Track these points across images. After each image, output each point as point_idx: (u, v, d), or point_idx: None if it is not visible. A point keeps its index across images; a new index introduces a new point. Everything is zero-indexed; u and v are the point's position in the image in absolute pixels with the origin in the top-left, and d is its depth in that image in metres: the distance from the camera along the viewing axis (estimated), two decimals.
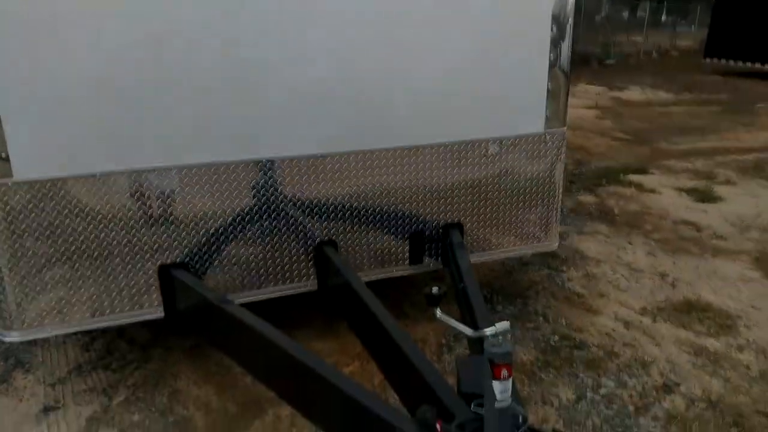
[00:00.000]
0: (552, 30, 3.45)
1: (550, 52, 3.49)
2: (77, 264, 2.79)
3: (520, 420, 1.67)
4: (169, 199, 2.90)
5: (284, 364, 2.24)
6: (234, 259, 3.11)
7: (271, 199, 3.10)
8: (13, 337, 2.84)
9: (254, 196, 3.06)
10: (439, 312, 1.84)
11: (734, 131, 9.92)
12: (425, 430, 1.73)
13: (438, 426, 1.70)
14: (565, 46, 3.53)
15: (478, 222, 3.58)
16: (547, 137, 3.62)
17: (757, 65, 14.91)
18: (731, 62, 15.60)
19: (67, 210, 2.73)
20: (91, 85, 2.66)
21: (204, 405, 2.95)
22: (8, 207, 2.63)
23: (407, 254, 3.47)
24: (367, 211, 3.32)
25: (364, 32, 3.07)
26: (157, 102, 2.79)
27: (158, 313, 3.01)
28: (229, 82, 2.89)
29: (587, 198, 6.28)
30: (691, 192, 6.54)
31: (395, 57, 3.16)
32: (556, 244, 3.92)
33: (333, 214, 3.25)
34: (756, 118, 11.01)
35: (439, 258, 3.52)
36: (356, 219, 3.31)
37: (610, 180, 6.93)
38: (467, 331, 1.76)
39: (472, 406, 1.84)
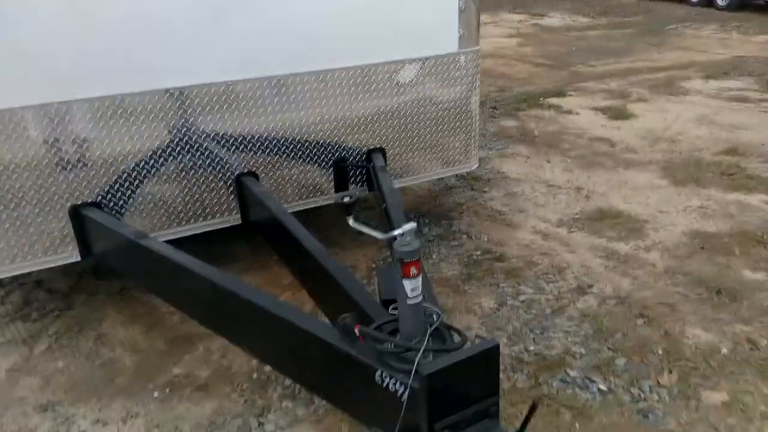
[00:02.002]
0: None
1: None
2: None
3: (435, 317, 1.73)
4: (76, 136, 2.75)
5: (209, 293, 2.23)
6: (151, 197, 3.02)
7: (184, 132, 2.99)
8: None
9: (167, 129, 2.95)
10: (351, 220, 1.86)
11: (647, 52, 10.25)
12: (345, 335, 1.77)
13: (356, 329, 1.74)
14: None
15: (400, 147, 3.59)
16: (462, 57, 3.63)
17: None
18: None
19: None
20: None
21: (131, 345, 2.91)
22: None
23: (332, 182, 3.47)
24: (287, 140, 3.26)
25: None
26: (62, 33, 2.62)
27: (74, 256, 2.91)
28: (128, 10, 2.73)
29: (509, 122, 6.40)
30: (606, 111, 6.77)
31: None
32: (476, 164, 4.00)
33: (251, 145, 3.18)
34: (667, 39, 11.40)
35: (365, 184, 3.54)
36: (276, 149, 3.25)
37: (530, 104, 7.07)
38: (377, 234, 1.79)
39: (389, 309, 1.90)
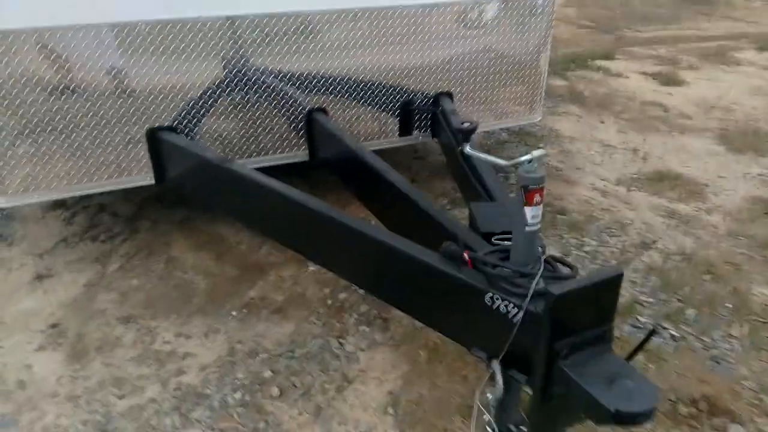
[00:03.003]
0: None
1: None
2: (61, 131, 2.65)
3: (540, 249, 1.75)
4: (154, 59, 2.75)
5: (303, 218, 2.24)
6: (223, 126, 3.03)
7: (257, 62, 2.97)
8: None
9: (240, 58, 2.93)
10: (468, 147, 1.86)
11: (695, 20, 9.99)
12: (452, 260, 1.80)
13: (465, 254, 1.77)
14: None
15: (467, 92, 3.56)
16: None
17: None
18: None
19: (45, 67, 2.55)
20: None
21: (203, 270, 2.97)
22: None
23: (397, 125, 3.45)
24: (357, 79, 3.24)
25: None
26: None
27: (148, 179, 2.94)
28: None
29: (558, 82, 6.30)
30: (656, 76, 6.64)
31: None
32: (540, 116, 3.97)
33: (323, 81, 3.16)
34: (715, 8, 11.07)
35: (429, 130, 3.52)
36: (347, 88, 3.23)
37: (578, 65, 6.94)
38: (501, 161, 1.79)
39: (493, 239, 1.92)
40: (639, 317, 2.64)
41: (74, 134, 2.68)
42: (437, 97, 3.44)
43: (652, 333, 1.61)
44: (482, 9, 3.41)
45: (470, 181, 2.61)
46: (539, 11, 3.56)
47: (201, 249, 3.14)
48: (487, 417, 1.79)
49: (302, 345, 2.44)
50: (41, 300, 2.73)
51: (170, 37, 2.73)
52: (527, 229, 1.68)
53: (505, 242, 1.90)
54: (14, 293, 2.78)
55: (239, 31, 2.88)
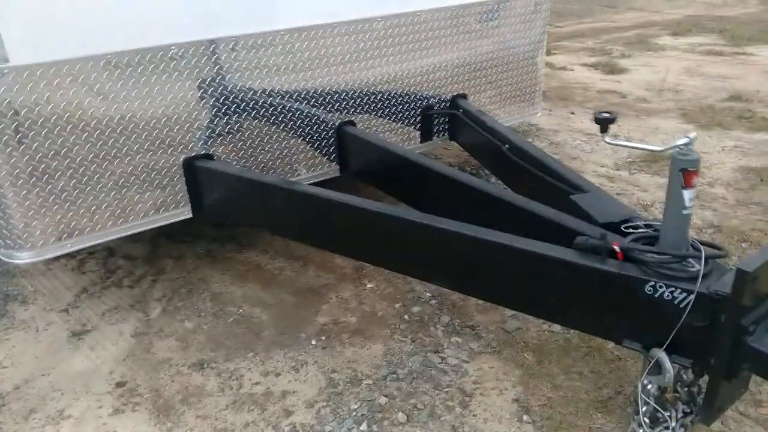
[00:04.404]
0: None
1: None
2: (93, 165, 2.39)
3: None
4: (179, 86, 2.54)
5: (398, 229, 2.15)
6: (251, 152, 2.85)
7: (287, 80, 2.84)
8: (23, 258, 2.43)
9: (265, 77, 2.79)
10: (609, 138, 1.86)
11: (605, 13, 10.64)
12: (592, 255, 1.78)
13: (615, 246, 1.76)
14: None
15: (478, 93, 3.58)
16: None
17: None
18: None
19: (77, 100, 2.29)
20: None
21: (256, 301, 2.78)
22: (6, 100, 2.15)
23: (418, 131, 3.41)
24: (379, 89, 3.17)
25: None
26: None
27: (186, 212, 2.72)
28: None
29: None
30: (597, 66, 7.00)
31: None
32: (540, 111, 4.07)
33: (351, 94, 3.07)
34: (619, 1, 11.87)
35: (446, 133, 3.50)
36: (371, 99, 3.15)
37: None
38: (652, 147, 1.80)
39: (623, 228, 1.92)
40: None
41: (97, 173, 2.43)
42: (453, 100, 3.44)
43: None
44: (486, 11, 3.44)
45: (535, 174, 2.62)
46: (536, 11, 3.65)
47: (244, 280, 2.94)
48: (650, 406, 1.79)
49: (402, 365, 2.33)
50: (91, 358, 2.45)
51: (190, 60, 2.54)
52: (684, 212, 1.71)
53: (639, 229, 1.93)
54: (56, 355, 2.47)
55: (260, 51, 2.73)
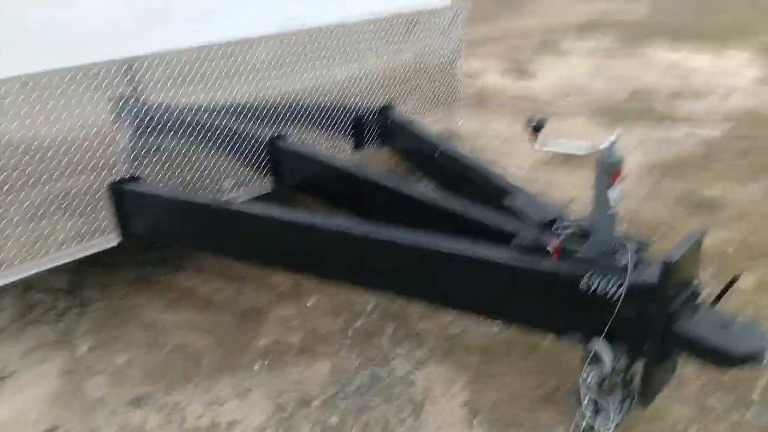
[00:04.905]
0: None
1: None
2: (23, 189, 2.25)
3: None
4: (120, 101, 2.44)
5: (336, 240, 2.15)
6: (178, 172, 2.77)
7: (215, 96, 2.78)
8: None
9: (191, 94, 2.72)
10: (538, 145, 1.94)
11: (507, 19, 11.08)
12: (531, 254, 1.87)
13: (551, 245, 1.84)
14: None
15: (406, 102, 3.65)
16: (452, 11, 3.76)
17: None
18: None
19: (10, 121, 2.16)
20: None
21: (193, 327, 2.69)
22: None
23: (350, 141, 3.43)
24: (310, 102, 3.17)
25: None
26: None
27: (112, 238, 2.60)
28: None
29: None
30: (507, 72, 7.29)
31: None
32: (461, 120, 4.20)
33: (280, 108, 3.04)
34: (517, 6, 12.40)
35: (377, 140, 3.55)
36: (301, 112, 3.15)
37: None
38: (580, 151, 1.89)
39: (554, 227, 2.01)
40: None
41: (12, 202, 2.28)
42: (383, 110, 3.49)
43: (735, 279, 1.82)
44: (408, 24, 3.52)
45: (467, 178, 2.71)
46: (453, 23, 3.78)
47: (177, 305, 2.84)
48: (590, 397, 1.88)
49: (350, 381, 2.32)
50: (15, 404, 2.28)
51: (109, 80, 2.44)
52: (611, 210, 1.81)
53: (569, 227, 2.02)
54: None
55: (174, 69, 2.65)
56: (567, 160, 4.44)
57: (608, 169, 1.76)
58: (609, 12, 11.62)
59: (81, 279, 3.06)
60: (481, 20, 10.67)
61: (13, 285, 2.96)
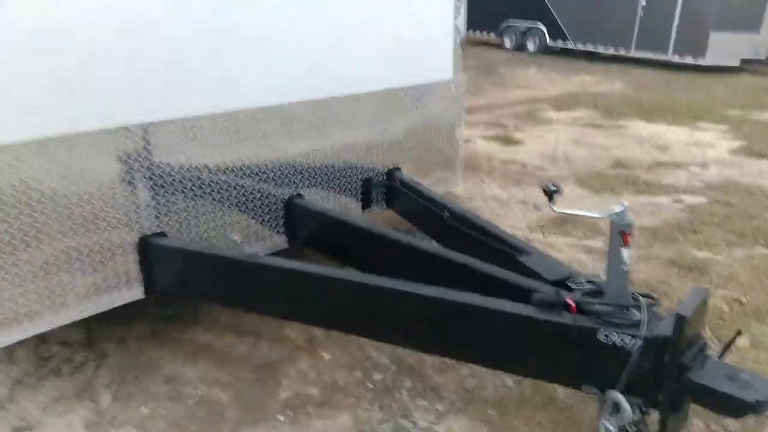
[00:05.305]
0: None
1: (455, 15, 3.91)
2: (54, 243, 2.35)
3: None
4: (148, 161, 2.59)
5: (362, 295, 2.28)
6: (204, 228, 2.90)
7: (241, 157, 2.95)
8: None
9: (231, 152, 2.89)
10: (556, 207, 2.12)
11: (494, 90, 11.62)
12: (550, 309, 2.01)
13: (569, 300, 2.00)
14: (463, 8, 3.96)
15: (410, 166, 3.85)
16: (453, 83, 4.04)
17: (491, 35, 17.54)
18: (470, 32, 18.01)
19: (27, 184, 2.27)
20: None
21: (213, 381, 2.74)
22: None
23: (358, 201, 3.60)
24: (324, 164, 3.35)
25: None
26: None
27: (137, 293, 2.69)
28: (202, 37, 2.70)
29: None
30: (495, 139, 7.63)
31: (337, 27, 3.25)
32: (461, 183, 4.42)
33: (298, 169, 3.22)
34: (503, 79, 13.03)
35: (383, 202, 3.72)
36: (315, 172, 3.32)
37: None
38: (595, 214, 2.08)
39: (569, 284, 2.17)
40: None
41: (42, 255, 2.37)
42: (390, 172, 3.69)
43: (739, 333, 1.98)
44: (417, 94, 3.77)
45: (477, 238, 2.87)
46: (455, 94, 4.05)
47: (195, 360, 2.89)
48: None
49: None
50: None
51: (173, 134, 2.62)
52: (624, 267, 1.99)
53: (583, 285, 2.19)
54: None
55: (198, 133, 2.82)
56: (559, 223, 4.67)
57: (621, 231, 1.94)
58: (586, 85, 12.28)
59: (96, 333, 3.11)
60: (471, 92, 11.19)
61: (24, 339, 3.04)
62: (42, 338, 3.05)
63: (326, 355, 2.91)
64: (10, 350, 2.96)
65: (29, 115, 2.28)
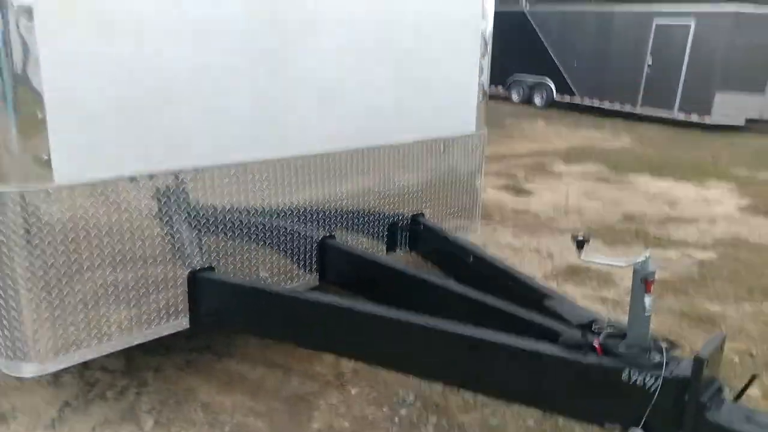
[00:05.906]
0: (482, 54, 4.15)
1: (480, 74, 4.19)
2: (109, 276, 2.54)
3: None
4: (198, 202, 2.80)
5: (402, 331, 2.44)
6: (246, 265, 3.09)
7: (284, 199, 3.16)
8: (27, 371, 2.47)
9: (276, 196, 3.11)
10: (584, 255, 2.31)
11: (503, 143, 11.92)
12: (576, 349, 2.18)
13: (596, 342, 2.16)
14: (486, 66, 4.25)
15: (433, 212, 4.07)
16: (477, 136, 4.30)
17: (499, 88, 18.04)
18: None
19: (104, 217, 2.48)
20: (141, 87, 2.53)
21: (248, 411, 2.88)
22: (46, 215, 2.31)
23: (383, 244, 3.80)
24: (355, 208, 3.56)
25: (363, 40, 3.38)
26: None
27: (183, 323, 2.86)
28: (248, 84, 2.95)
29: None
30: (506, 189, 7.87)
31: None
32: (479, 229, 4.61)
33: (332, 211, 3.43)
34: (512, 131, 13.38)
35: (407, 245, 3.92)
36: (347, 215, 3.53)
37: None
38: (620, 263, 2.26)
39: (593, 328, 2.34)
40: None
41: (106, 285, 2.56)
42: (414, 217, 3.90)
43: (754, 378, 2.14)
44: (444, 146, 4.02)
45: (501, 282, 3.05)
46: (478, 145, 4.30)
47: (230, 390, 3.04)
48: None
49: None
50: None
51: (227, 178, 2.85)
52: (646, 313, 2.16)
53: (606, 328, 2.36)
54: None
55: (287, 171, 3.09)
56: (574, 272, 4.85)
57: (644, 278, 2.12)
58: (593, 140, 12.61)
59: (132, 362, 3.26)
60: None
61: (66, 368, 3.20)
62: (85, 365, 3.21)
63: (354, 390, 3.06)
64: (56, 375, 3.11)
65: (93, 160, 2.50)
